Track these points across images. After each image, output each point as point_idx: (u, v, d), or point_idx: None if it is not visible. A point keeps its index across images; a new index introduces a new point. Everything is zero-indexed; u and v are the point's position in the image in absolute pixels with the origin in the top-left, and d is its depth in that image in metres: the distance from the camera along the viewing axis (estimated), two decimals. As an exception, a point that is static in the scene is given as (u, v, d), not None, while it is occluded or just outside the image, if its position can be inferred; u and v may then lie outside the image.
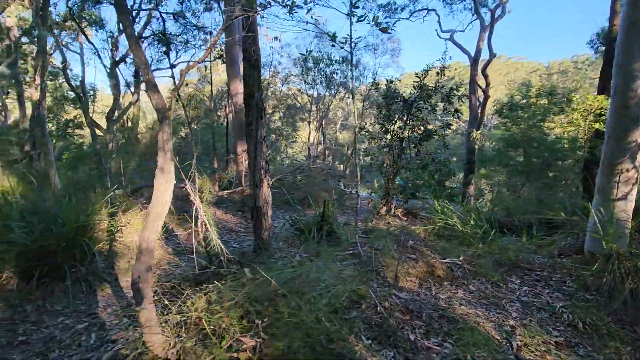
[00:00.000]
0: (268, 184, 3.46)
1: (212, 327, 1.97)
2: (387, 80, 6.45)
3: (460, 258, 3.91)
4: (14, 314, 2.59)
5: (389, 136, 6.52)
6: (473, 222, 4.84)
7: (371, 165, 6.48)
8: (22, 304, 2.68)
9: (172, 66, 2.50)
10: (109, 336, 2.35)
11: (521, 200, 8.21)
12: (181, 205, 4.95)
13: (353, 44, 3.03)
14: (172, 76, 2.54)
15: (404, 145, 6.34)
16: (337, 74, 12.35)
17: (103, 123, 12.95)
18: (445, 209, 5.30)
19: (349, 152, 16.98)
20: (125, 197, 4.26)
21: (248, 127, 3.36)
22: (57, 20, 11.66)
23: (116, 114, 12.32)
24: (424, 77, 6.10)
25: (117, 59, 13.03)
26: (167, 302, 2.29)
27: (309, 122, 16.76)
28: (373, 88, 6.31)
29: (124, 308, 2.81)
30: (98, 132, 11.93)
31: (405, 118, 6.20)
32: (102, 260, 3.38)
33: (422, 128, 6.28)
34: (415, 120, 6.14)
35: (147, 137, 10.40)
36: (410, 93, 6.15)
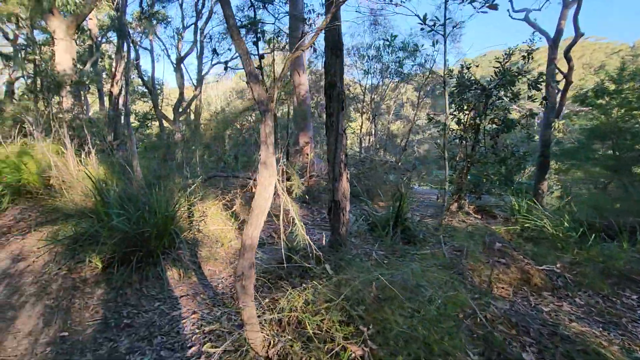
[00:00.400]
0: (347, 178, 3.33)
1: (312, 329, 1.89)
2: (461, 67, 5.95)
3: (558, 265, 3.48)
4: (116, 297, 2.76)
5: (460, 127, 6.05)
6: (567, 223, 4.29)
7: (442, 157, 6.05)
8: (123, 287, 2.86)
9: (261, 56, 2.43)
10: (204, 326, 2.39)
11: (610, 199, 7.21)
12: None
13: (449, 27, 2.73)
14: (260, 66, 2.46)
15: (478, 137, 5.84)
16: (395, 63, 11.80)
17: (169, 115, 13.82)
18: (532, 208, 4.78)
19: (403, 143, 16.30)
20: (202, 187, 4.41)
21: (329, 119, 3.23)
22: (129, 20, 12.55)
23: (181, 106, 13.06)
24: (506, 62, 5.52)
25: (182, 54, 13.77)
26: (258, 297, 2.27)
27: (362, 113, 16.36)
28: (447, 75, 5.83)
29: (211, 298, 2.88)
30: (166, 123, 12.76)
31: (482, 107, 5.68)
32: (187, 248, 3.51)
33: (500, 118, 5.72)
34: (495, 109, 5.60)
35: (211, 128, 10.82)
36: (490, 79, 5.60)
